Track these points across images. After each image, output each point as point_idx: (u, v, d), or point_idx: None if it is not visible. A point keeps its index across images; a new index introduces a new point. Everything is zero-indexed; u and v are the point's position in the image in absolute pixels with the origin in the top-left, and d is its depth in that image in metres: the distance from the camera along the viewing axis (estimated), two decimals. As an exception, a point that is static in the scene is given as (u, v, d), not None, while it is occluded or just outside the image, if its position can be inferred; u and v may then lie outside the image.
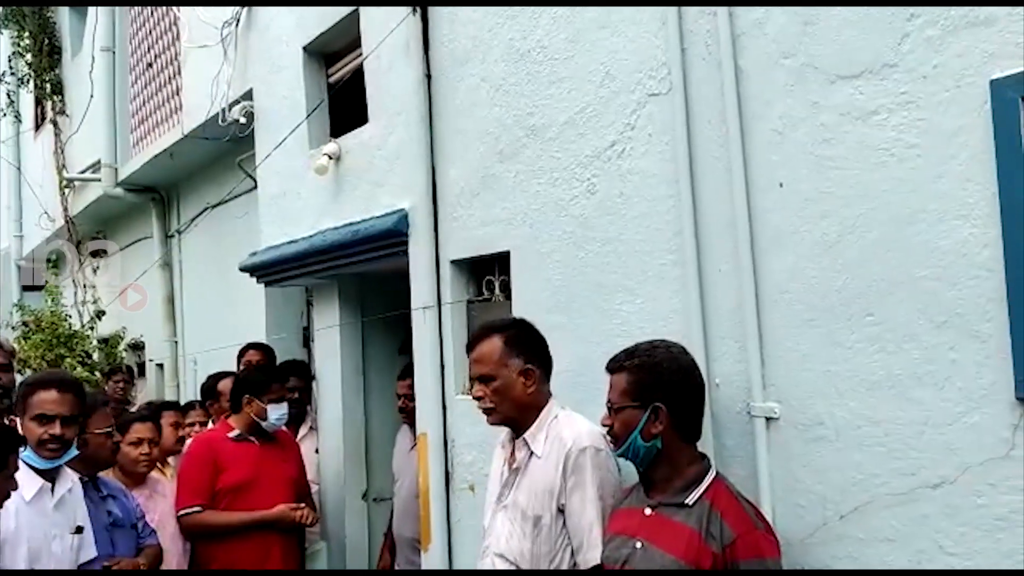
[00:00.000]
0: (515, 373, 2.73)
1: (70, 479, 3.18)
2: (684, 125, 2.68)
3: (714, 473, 2.39)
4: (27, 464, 2.97)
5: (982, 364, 2.01)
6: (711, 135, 2.62)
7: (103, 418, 3.54)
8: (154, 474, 4.17)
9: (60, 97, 9.38)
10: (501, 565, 2.72)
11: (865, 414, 2.25)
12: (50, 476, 3.08)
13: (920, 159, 2.12)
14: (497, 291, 3.65)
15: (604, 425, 2.49)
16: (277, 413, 4.26)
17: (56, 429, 3.01)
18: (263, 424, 4.25)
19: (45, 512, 3.03)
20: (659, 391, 2.37)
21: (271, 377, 4.36)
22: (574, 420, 2.75)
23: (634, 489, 2.54)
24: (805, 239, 2.38)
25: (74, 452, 3.12)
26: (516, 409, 2.76)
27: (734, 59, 2.54)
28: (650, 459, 2.41)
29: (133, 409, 5.10)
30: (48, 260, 9.53)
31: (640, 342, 2.50)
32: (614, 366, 2.46)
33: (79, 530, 3.17)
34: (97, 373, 7.94)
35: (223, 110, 5.56)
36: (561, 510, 2.66)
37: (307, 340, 5.68)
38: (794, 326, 2.41)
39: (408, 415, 4.47)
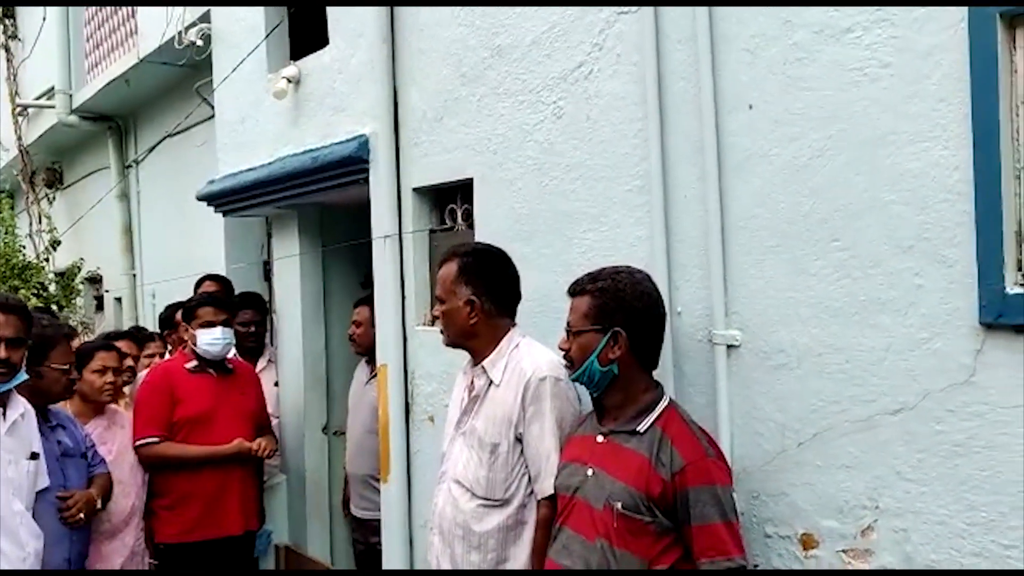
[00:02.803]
0: (461, 302, 2.69)
1: (22, 404, 3.08)
2: (653, 45, 2.59)
3: (667, 401, 2.36)
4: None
5: (947, 289, 1.99)
6: (681, 56, 2.54)
7: (63, 353, 3.43)
8: (112, 404, 4.08)
9: (12, 20, 9.04)
10: (457, 491, 2.70)
11: (827, 341, 2.22)
12: (0, 401, 2.98)
13: (893, 79, 2.06)
14: (460, 220, 3.57)
15: (561, 349, 2.44)
16: (206, 339, 4.12)
17: (1, 352, 2.91)
18: (196, 351, 4.16)
19: None
20: (620, 316, 2.32)
21: (199, 302, 4.23)
22: (535, 349, 2.71)
23: (588, 417, 2.51)
24: (774, 163, 2.32)
25: (23, 376, 3.01)
26: (460, 336, 2.74)
27: (706, -25, 2.45)
28: (605, 385, 2.37)
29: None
30: (1, 191, 9.24)
31: (604, 267, 2.44)
32: (576, 289, 2.41)
33: (34, 456, 3.09)
34: (53, 306, 7.77)
35: (179, 33, 5.35)
36: (519, 439, 2.63)
37: (268, 273, 5.57)
38: (759, 253, 2.37)
39: (356, 344, 4.39)
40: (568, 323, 2.42)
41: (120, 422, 4.02)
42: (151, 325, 6.60)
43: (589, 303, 2.35)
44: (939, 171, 1.99)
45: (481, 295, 2.69)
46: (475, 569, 2.63)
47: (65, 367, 3.41)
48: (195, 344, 4.14)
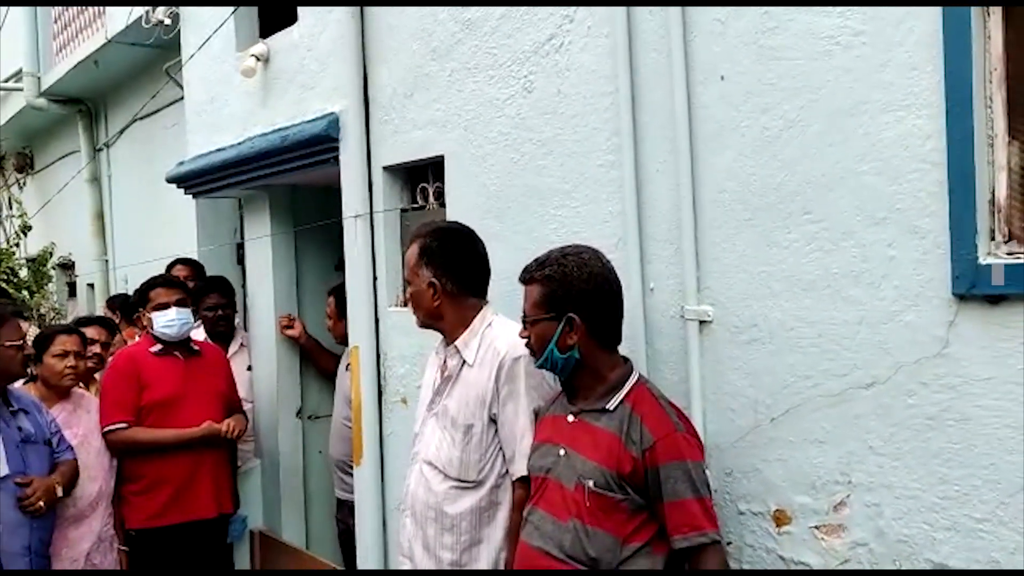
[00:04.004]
0: (424, 284, 2.65)
1: None
2: (624, 16, 2.54)
3: (636, 377, 2.32)
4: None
5: (919, 261, 1.96)
6: (652, 26, 2.49)
7: (14, 330, 3.36)
8: (78, 389, 4.01)
9: (-22, 2, 8.85)
10: (430, 472, 2.66)
11: (799, 315, 2.19)
12: None
13: (866, 47, 2.02)
14: (432, 198, 3.52)
15: (522, 337, 2.40)
16: (162, 320, 4.06)
17: None
18: (154, 334, 4.09)
19: None
20: (570, 302, 2.27)
21: (150, 285, 4.16)
22: (509, 328, 2.65)
23: (559, 397, 2.48)
24: (745, 135, 2.28)
25: None
26: (427, 317, 2.71)
27: (677, -57, 2.40)
28: (570, 369, 2.33)
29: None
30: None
31: (552, 250, 2.38)
32: (525, 277, 2.37)
33: None
34: (24, 292, 7.65)
35: (147, 11, 5.24)
36: (493, 419, 2.59)
37: (241, 257, 5.48)
38: (731, 226, 2.33)
39: (334, 333, 4.41)
40: (524, 312, 2.37)
41: (87, 406, 3.95)
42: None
43: (539, 291, 2.31)
44: (912, 140, 1.95)
45: (442, 276, 2.63)
46: (476, 569, 2.60)
47: (18, 343, 3.34)
48: (152, 327, 4.07)
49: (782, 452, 2.25)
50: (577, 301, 2.27)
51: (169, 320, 4.06)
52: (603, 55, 2.63)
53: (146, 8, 5.23)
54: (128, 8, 5.53)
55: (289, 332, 4.77)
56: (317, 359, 4.88)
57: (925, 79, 1.92)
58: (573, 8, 2.72)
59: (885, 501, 2.05)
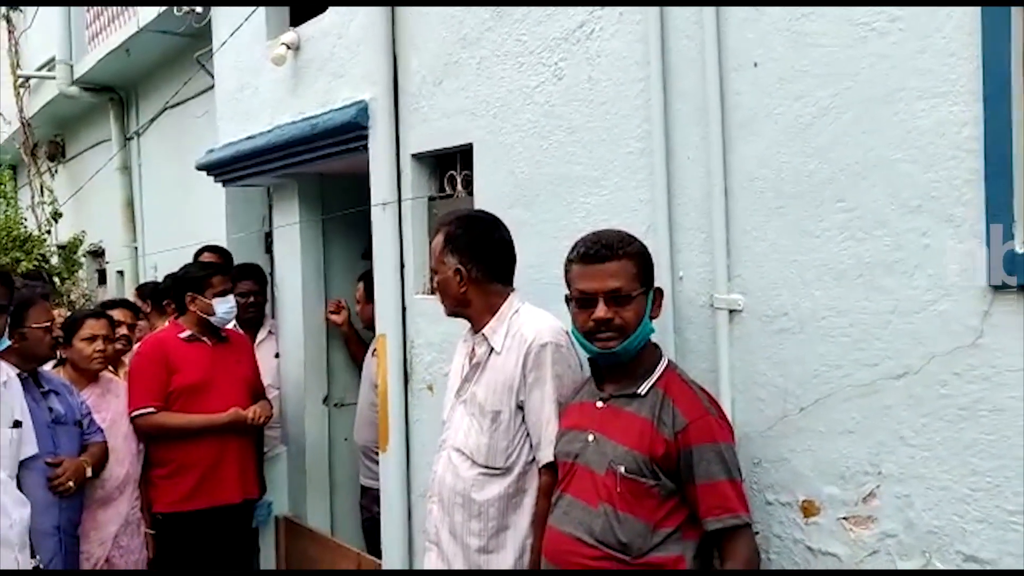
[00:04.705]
0: (450, 271, 2.66)
1: (4, 372, 3.06)
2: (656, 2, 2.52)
3: (666, 362, 2.33)
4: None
5: (954, 250, 1.93)
6: (684, 12, 2.47)
7: (42, 312, 3.41)
8: (107, 373, 4.06)
9: (13, -10, 8.98)
10: (457, 459, 2.67)
11: (831, 304, 2.17)
12: None
13: (903, 32, 1.99)
14: (459, 186, 3.52)
15: (603, 319, 2.25)
16: (224, 307, 4.14)
17: None
18: (212, 320, 4.14)
19: None
20: (652, 275, 2.33)
21: (211, 271, 4.21)
22: (536, 315, 2.66)
23: (586, 383, 2.47)
24: (778, 122, 2.26)
25: (6, 343, 2.99)
26: (455, 305, 2.72)
27: (711, -71, 2.38)
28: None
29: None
30: (3, 164, 9.21)
31: (599, 231, 2.38)
32: (609, 254, 2.27)
33: (16, 424, 3.06)
34: (56, 278, 7.76)
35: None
36: (520, 406, 2.60)
37: (269, 245, 5.52)
38: (762, 215, 2.32)
39: (363, 319, 4.45)
40: (613, 289, 2.25)
41: (115, 391, 4.00)
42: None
43: (633, 265, 2.28)
44: (948, 128, 1.93)
45: (468, 263, 2.64)
46: (487, 569, 2.61)
47: (46, 325, 3.39)
48: (209, 313, 4.12)
49: (811, 442, 2.23)
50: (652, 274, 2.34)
51: (230, 307, 4.18)
52: (634, 41, 2.62)
53: None
54: (159, -2, 5.58)
55: (334, 317, 4.84)
56: (352, 347, 4.93)
57: (963, 66, 1.90)
58: (605, -5, 2.71)
59: (915, 492, 2.02)
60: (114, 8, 6.85)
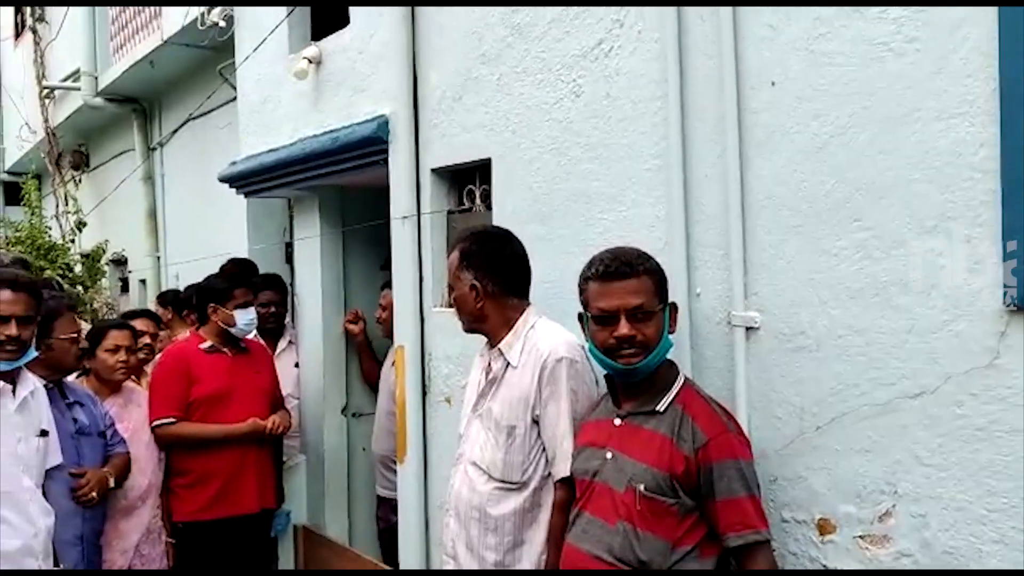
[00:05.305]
0: (466, 287, 2.70)
1: (32, 382, 3.10)
2: (675, 21, 2.54)
3: (683, 379, 2.34)
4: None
5: (971, 270, 1.94)
6: (703, 31, 2.50)
7: (69, 323, 3.46)
8: (129, 383, 4.11)
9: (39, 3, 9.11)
10: (474, 473, 2.69)
11: (847, 323, 2.17)
12: (10, 378, 2.99)
13: (919, 53, 2.00)
14: (478, 201, 3.55)
15: (626, 336, 2.26)
16: (245, 318, 4.19)
17: (12, 330, 2.91)
18: (232, 331, 4.18)
19: (7, 414, 2.96)
20: (667, 291, 2.35)
21: (234, 283, 4.26)
22: (552, 330, 2.68)
23: (602, 400, 2.48)
24: (795, 141, 2.27)
25: (33, 354, 3.04)
26: (472, 320, 2.76)
27: (729, -50, 2.40)
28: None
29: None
30: (28, 173, 9.34)
31: (614, 248, 2.40)
32: (629, 271, 2.28)
33: (43, 434, 3.10)
34: (79, 287, 7.84)
35: (202, 14, 5.36)
36: (536, 421, 2.61)
37: (290, 256, 5.58)
38: (779, 233, 2.33)
39: (383, 329, 4.46)
40: (635, 306, 2.26)
41: (137, 400, 4.05)
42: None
43: (652, 282, 2.30)
44: (965, 148, 1.93)
45: (483, 278, 2.68)
46: (489, 569, 2.63)
47: (73, 336, 3.43)
48: (230, 324, 4.17)
49: (827, 461, 2.23)
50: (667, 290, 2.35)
51: (251, 319, 4.23)
52: (652, 59, 2.64)
53: (201, 10, 5.33)
54: (184, 10, 5.65)
55: (352, 327, 4.86)
56: (364, 363, 4.95)
57: (979, 86, 1.90)
58: (623, 12, 2.73)
59: (931, 512, 2.02)
60: (138, 21, 6.94)
